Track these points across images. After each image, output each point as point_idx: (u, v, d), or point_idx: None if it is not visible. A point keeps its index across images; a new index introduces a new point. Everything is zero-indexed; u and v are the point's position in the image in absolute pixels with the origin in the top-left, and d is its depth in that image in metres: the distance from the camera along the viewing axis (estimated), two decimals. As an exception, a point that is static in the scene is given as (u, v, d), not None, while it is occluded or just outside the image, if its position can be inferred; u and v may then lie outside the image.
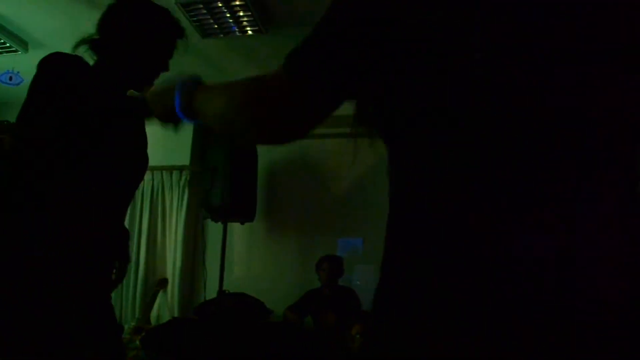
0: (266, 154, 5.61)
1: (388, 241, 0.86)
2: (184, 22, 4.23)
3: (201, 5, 3.99)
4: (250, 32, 4.40)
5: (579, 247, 0.73)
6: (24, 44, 4.76)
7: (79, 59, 1.60)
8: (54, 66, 1.54)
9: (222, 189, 4.85)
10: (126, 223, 5.84)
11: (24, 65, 4.95)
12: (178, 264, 5.53)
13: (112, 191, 1.67)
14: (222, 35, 4.44)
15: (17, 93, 5.68)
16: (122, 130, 1.67)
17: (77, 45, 1.70)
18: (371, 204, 4.96)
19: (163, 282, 5.51)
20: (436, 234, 0.78)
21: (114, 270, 1.80)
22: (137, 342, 4.26)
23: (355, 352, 3.96)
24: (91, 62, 1.73)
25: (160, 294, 5.46)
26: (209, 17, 4.15)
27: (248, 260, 5.60)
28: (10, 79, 4.90)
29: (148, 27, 1.68)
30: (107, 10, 1.72)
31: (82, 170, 1.55)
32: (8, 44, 4.66)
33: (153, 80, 1.71)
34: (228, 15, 4.13)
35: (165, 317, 5.23)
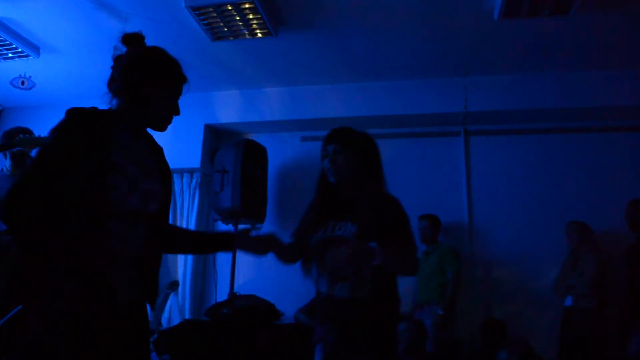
0: (277, 157, 5.62)
1: None
2: (195, 25, 4.27)
3: (211, 9, 4.01)
4: (259, 35, 4.42)
5: None
6: (35, 48, 4.80)
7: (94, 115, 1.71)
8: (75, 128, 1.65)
9: (232, 191, 4.86)
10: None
11: (36, 70, 5.01)
12: (189, 266, 5.55)
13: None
14: (232, 38, 4.46)
15: (29, 97, 5.75)
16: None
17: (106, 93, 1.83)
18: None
19: (174, 284, 5.53)
20: None
21: None
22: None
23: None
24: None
25: (171, 296, 5.48)
26: (219, 20, 4.17)
27: (259, 262, 5.59)
28: (23, 83, 4.93)
29: (164, 74, 1.83)
30: (128, 59, 1.82)
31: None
32: (20, 49, 4.70)
33: (170, 121, 1.87)
34: (238, 18, 4.15)
35: (177, 319, 5.24)
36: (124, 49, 1.85)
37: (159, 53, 1.86)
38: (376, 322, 2.10)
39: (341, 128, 2.37)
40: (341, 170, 2.25)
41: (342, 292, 2.15)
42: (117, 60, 1.85)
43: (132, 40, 1.86)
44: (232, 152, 5.01)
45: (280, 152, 5.74)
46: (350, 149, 2.27)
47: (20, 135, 3.70)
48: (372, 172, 2.29)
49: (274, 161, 5.52)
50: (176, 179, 5.81)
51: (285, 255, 2.32)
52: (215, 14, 4.08)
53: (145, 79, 1.78)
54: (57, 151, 1.59)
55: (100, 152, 1.63)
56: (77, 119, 1.65)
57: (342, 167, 2.25)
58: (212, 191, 5.15)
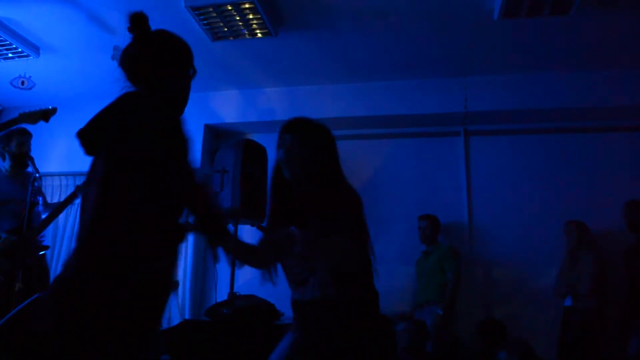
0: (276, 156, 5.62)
1: None
2: (195, 25, 4.27)
3: (211, 9, 4.01)
4: (259, 35, 4.42)
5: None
6: (35, 48, 4.80)
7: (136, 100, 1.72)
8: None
9: (232, 191, 4.85)
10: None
11: (36, 70, 5.00)
12: (189, 265, 5.55)
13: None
14: (232, 38, 4.46)
15: (29, 97, 5.74)
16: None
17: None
18: (380, 205, 4.96)
19: (174, 284, 5.52)
20: None
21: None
22: (149, 344, 4.26)
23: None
24: None
25: (170, 296, 5.47)
26: (219, 20, 4.17)
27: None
28: (23, 83, 4.93)
29: (179, 55, 1.87)
30: (143, 43, 1.83)
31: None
32: (20, 49, 4.70)
33: (186, 103, 1.88)
34: (238, 18, 4.15)
35: (176, 319, 5.24)
36: (123, 48, 1.85)
37: (171, 35, 1.88)
38: (341, 323, 2.03)
39: (301, 118, 2.37)
40: (295, 162, 2.21)
41: (305, 295, 2.14)
42: (131, 46, 1.84)
43: (138, 19, 1.85)
44: (232, 152, 5.00)
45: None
46: (307, 141, 2.24)
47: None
48: (326, 168, 2.23)
49: (274, 160, 5.51)
50: (176, 179, 5.80)
51: (237, 252, 2.21)
52: (215, 14, 4.09)
53: (163, 60, 1.80)
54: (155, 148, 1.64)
55: (163, 140, 1.68)
56: (147, 109, 1.67)
57: (297, 159, 2.21)
58: (213, 191, 5.14)
